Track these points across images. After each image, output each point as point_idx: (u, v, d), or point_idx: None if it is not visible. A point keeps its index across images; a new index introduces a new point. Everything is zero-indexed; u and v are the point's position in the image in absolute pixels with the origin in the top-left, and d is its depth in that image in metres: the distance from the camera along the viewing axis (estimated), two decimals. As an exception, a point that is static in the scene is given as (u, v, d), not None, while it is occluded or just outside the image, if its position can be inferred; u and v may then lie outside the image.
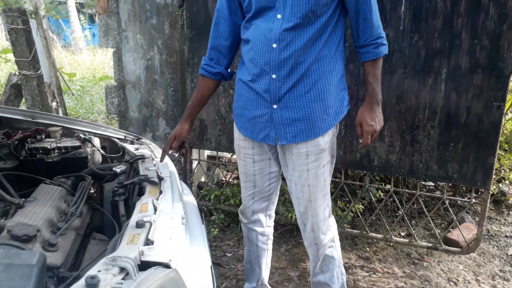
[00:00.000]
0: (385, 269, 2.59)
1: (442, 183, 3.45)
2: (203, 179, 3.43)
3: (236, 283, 2.42)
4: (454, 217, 2.49)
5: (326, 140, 1.64)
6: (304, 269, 2.54)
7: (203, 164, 3.13)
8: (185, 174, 2.90)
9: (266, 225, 1.99)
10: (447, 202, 2.49)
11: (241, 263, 2.58)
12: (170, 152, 1.81)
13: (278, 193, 1.96)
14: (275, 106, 1.60)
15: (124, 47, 2.90)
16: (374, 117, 1.61)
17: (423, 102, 2.19)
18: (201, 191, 3.07)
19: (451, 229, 2.76)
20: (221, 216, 3.01)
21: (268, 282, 2.17)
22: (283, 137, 1.63)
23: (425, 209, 2.56)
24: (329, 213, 1.78)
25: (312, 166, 1.64)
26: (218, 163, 2.97)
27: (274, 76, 1.56)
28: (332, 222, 1.84)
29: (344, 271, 1.96)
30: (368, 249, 2.80)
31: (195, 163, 3.06)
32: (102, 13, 2.89)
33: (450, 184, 2.75)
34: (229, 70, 1.81)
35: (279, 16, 1.52)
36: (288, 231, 2.95)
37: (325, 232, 1.78)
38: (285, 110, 1.59)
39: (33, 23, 3.63)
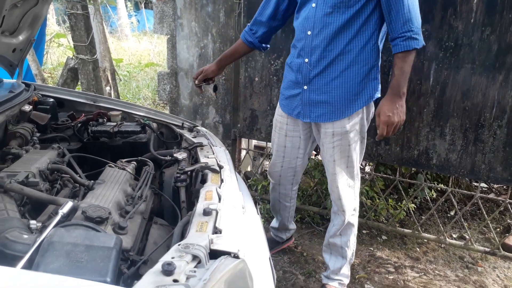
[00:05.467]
0: (436, 271, 2.49)
1: (496, 185, 3.29)
2: (249, 169, 3.43)
3: (283, 274, 2.41)
4: (516, 223, 2.36)
5: (352, 123, 1.76)
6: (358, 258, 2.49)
7: (250, 154, 3.12)
8: (234, 163, 2.90)
9: (292, 189, 2.22)
10: (508, 206, 2.36)
11: (287, 255, 2.56)
12: (196, 82, 2.13)
13: (304, 168, 2.18)
14: (305, 87, 1.79)
15: (179, 34, 2.91)
16: (393, 109, 1.65)
17: (491, 100, 2.07)
18: (248, 180, 3.07)
19: (507, 234, 2.62)
20: (267, 207, 2.99)
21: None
22: (307, 115, 1.83)
23: (484, 213, 2.44)
24: (353, 184, 1.93)
25: (337, 144, 1.80)
26: (267, 153, 2.95)
27: (306, 60, 1.74)
28: (356, 194, 1.98)
29: (356, 242, 2.11)
30: (418, 249, 2.71)
31: (243, 153, 3.06)
32: (159, 0, 2.91)
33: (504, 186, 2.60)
34: (263, 45, 2.04)
35: (313, 5, 1.68)
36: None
37: (350, 201, 1.94)
38: (313, 92, 1.77)
39: (90, 9, 3.72)
